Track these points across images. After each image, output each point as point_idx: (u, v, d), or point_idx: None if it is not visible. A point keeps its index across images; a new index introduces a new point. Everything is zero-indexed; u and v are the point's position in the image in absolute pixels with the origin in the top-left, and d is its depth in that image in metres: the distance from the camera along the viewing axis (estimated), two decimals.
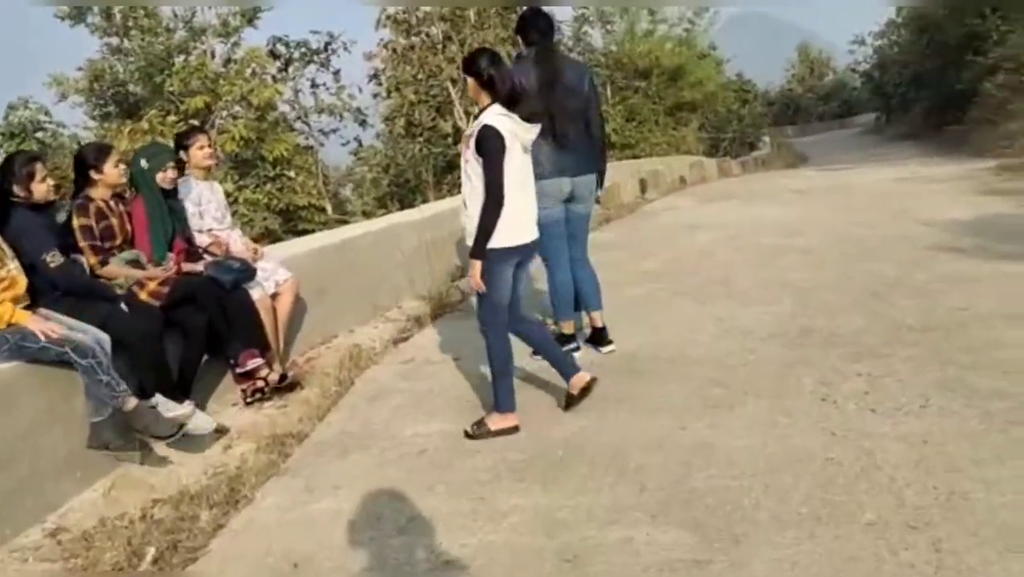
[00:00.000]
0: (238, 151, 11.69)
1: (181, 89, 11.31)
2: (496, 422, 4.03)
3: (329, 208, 12.68)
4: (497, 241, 3.90)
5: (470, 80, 3.99)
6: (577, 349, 5.03)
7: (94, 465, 3.91)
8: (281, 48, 13.37)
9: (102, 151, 4.56)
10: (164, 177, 4.76)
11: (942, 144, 21.99)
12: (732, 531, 2.84)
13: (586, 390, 4.18)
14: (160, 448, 4.15)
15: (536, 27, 4.96)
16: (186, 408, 4.26)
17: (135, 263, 4.56)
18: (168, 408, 4.21)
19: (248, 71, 11.96)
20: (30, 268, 3.96)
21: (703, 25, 22.09)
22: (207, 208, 5.21)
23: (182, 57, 12.42)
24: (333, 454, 4.03)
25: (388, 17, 12.97)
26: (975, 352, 4.34)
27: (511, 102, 3.88)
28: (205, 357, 4.70)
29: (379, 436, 4.18)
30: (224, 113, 12.15)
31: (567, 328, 5.09)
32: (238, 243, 5.34)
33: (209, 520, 3.40)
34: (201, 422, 4.37)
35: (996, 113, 17.14)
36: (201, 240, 5.11)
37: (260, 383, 4.82)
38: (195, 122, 11.56)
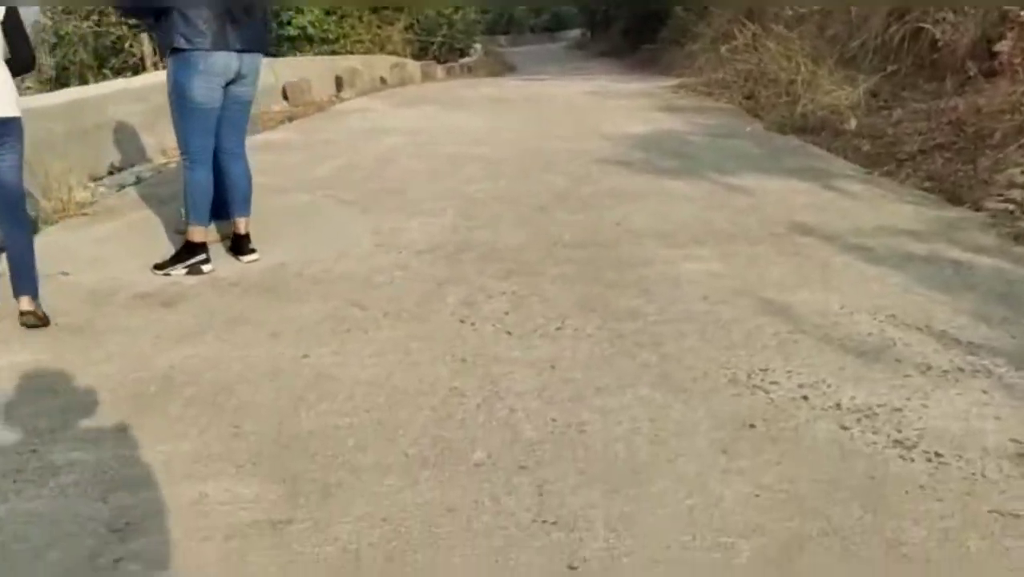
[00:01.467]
0: None
1: None
2: None
3: None
4: None
5: None
6: (207, 262, 4.42)
7: None
8: None
9: None
10: None
11: (637, 62, 23.00)
12: (326, 481, 2.47)
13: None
14: None
15: None
16: None
17: None
18: None
19: None
20: None
21: None
22: None
23: None
24: None
25: None
26: (621, 269, 4.28)
27: None
28: None
29: None
30: None
31: (198, 235, 4.45)
32: None
33: None
34: None
35: (682, 35, 18.05)
36: None
37: None
38: None
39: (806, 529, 2.18)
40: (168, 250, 4.67)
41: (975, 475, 2.42)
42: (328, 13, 17.85)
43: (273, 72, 12.10)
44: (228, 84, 4.37)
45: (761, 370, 3.12)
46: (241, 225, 4.64)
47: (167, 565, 2.12)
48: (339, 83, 14.29)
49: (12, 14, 3.71)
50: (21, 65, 3.89)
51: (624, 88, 13.14)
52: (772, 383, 3.02)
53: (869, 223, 5.03)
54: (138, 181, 6.51)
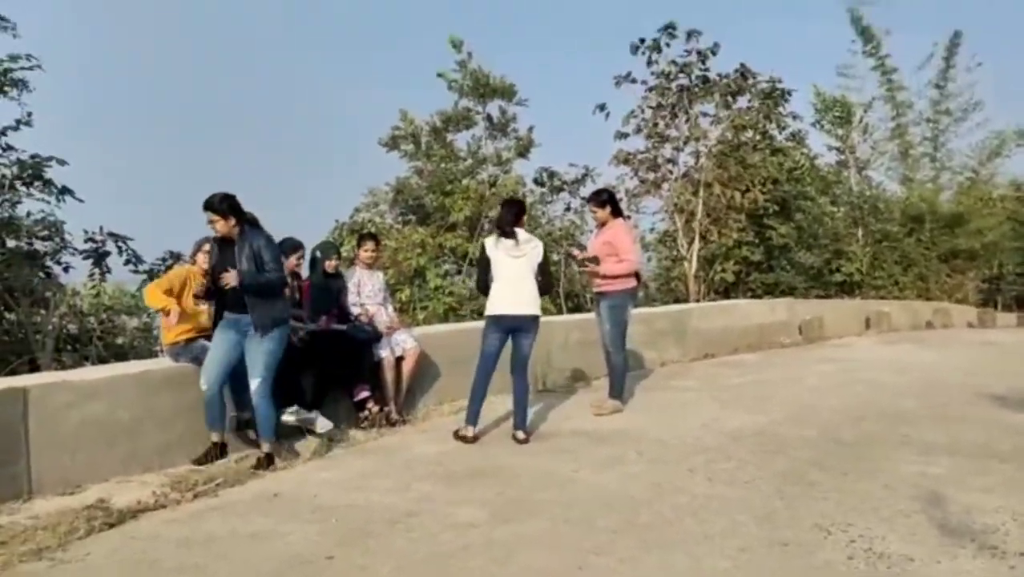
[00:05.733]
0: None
1: (452, 205, 14.50)
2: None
3: None
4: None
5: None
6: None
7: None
8: (545, 177, 16.22)
9: (289, 249, 7.03)
10: (329, 265, 7.28)
11: None
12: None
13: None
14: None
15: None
16: (311, 414, 6.53)
17: (297, 318, 7.04)
18: (299, 414, 6.51)
19: (509, 194, 14.94)
20: None
21: (991, 170, 21.63)
22: (363, 289, 7.58)
23: (466, 180, 15.66)
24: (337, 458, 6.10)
25: (617, 158, 15.23)
26: (850, 461, 5.35)
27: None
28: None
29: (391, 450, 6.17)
30: (487, 225, 15.06)
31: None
32: (383, 315, 7.64)
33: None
34: (323, 423, 6.58)
35: None
36: (355, 310, 7.49)
37: (367, 412, 7.02)
38: (461, 231, 14.74)
39: None
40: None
41: None
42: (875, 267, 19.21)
43: (790, 310, 14.13)
44: None
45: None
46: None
47: None
48: (867, 323, 15.60)
49: (546, 256, 6.57)
50: (545, 289, 6.71)
51: None
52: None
53: None
54: None
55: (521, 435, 6.27)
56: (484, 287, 6.51)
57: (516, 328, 6.41)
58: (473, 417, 6.37)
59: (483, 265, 6.49)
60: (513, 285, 6.37)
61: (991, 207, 21.73)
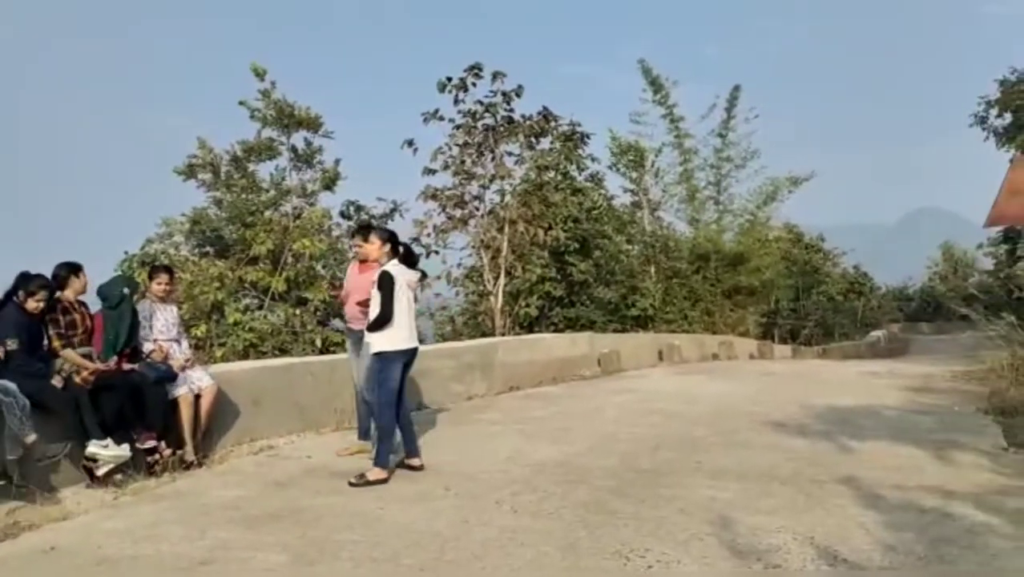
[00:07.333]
0: (285, 289, 14.16)
1: (254, 238, 14.03)
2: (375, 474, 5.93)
3: None
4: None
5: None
6: None
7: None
8: (352, 210, 16.02)
9: (74, 268, 6.54)
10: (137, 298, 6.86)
11: None
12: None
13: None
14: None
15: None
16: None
17: (87, 356, 6.51)
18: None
19: (314, 228, 14.64)
20: None
21: (767, 213, 23.66)
22: (155, 324, 7.14)
23: (269, 212, 15.21)
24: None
25: (425, 194, 15.33)
26: (647, 488, 5.58)
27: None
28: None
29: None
30: (291, 258, 14.65)
31: None
32: (176, 352, 7.22)
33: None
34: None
35: None
36: (148, 346, 7.05)
37: (157, 456, 6.57)
38: (263, 264, 14.26)
39: None
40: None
41: None
42: (665, 302, 20.38)
43: (590, 344, 14.64)
44: None
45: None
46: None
47: None
48: (661, 355, 16.44)
49: None
50: None
51: (913, 370, 13.44)
52: None
53: (918, 481, 5.66)
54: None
55: (417, 461, 6.33)
56: (390, 317, 6.19)
57: (408, 361, 6.39)
58: (387, 457, 6.11)
59: (392, 294, 6.22)
60: (410, 317, 6.36)
61: (768, 247, 23.76)
